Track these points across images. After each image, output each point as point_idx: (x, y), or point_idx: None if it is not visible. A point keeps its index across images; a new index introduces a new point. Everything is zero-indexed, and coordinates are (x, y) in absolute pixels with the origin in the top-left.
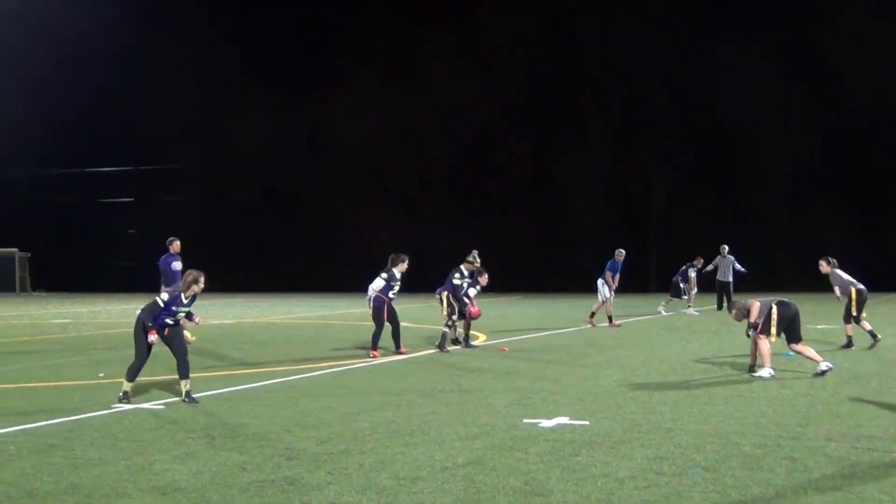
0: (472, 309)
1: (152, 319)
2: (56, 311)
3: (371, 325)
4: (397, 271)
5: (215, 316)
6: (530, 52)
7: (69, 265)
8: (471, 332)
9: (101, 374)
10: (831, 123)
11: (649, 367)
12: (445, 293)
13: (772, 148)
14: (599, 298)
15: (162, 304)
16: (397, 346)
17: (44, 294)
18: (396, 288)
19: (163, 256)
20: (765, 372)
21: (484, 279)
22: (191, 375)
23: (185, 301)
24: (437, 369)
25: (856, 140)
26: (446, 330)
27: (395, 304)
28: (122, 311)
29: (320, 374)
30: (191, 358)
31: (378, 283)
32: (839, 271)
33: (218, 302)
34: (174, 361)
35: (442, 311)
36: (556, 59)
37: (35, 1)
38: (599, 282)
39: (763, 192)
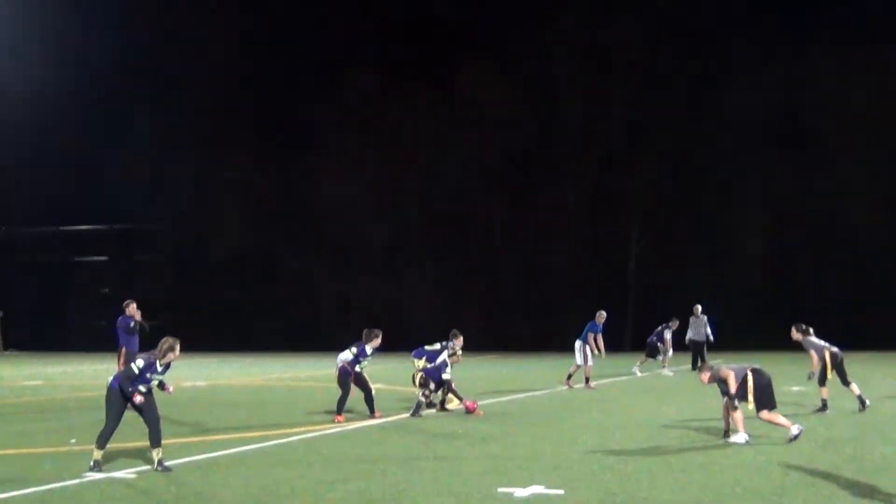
0: (468, 403)
1: (129, 385)
2: (28, 371)
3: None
4: (369, 347)
5: (189, 377)
6: (509, 114)
7: (42, 324)
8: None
9: (73, 441)
10: (811, 185)
11: (625, 432)
12: (420, 373)
13: (748, 208)
14: (577, 360)
15: (137, 371)
16: (371, 411)
17: (16, 353)
18: (365, 363)
19: (119, 318)
20: (739, 437)
21: (458, 342)
22: (163, 442)
23: (159, 369)
24: (411, 435)
25: (832, 203)
26: (422, 399)
27: (367, 369)
28: (95, 373)
29: (294, 440)
30: (163, 422)
31: (346, 355)
32: (812, 337)
33: (192, 362)
34: (146, 428)
35: (415, 382)
36: (534, 120)
37: (9, 62)
38: (578, 343)
39: (738, 251)
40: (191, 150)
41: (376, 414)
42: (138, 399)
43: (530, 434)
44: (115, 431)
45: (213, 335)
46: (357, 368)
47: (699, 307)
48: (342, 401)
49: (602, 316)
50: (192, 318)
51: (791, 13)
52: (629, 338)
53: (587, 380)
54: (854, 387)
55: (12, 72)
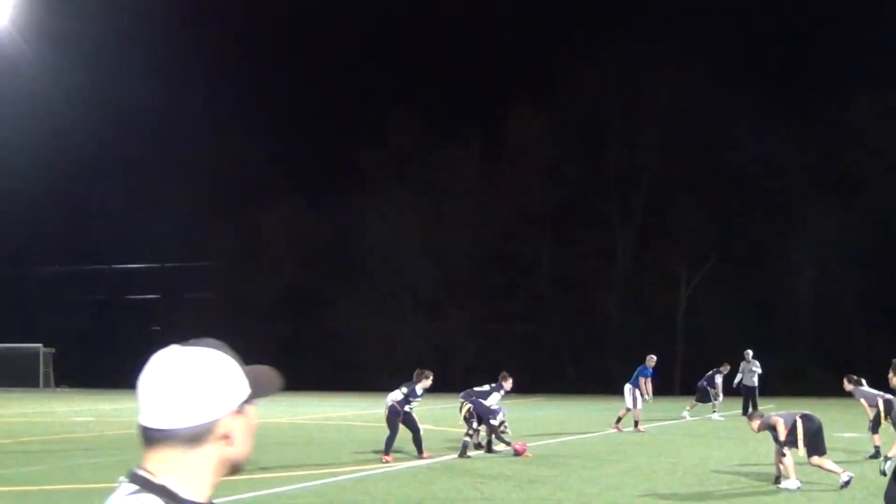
0: (516, 446)
1: None
2: (79, 408)
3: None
4: (419, 388)
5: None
6: (555, 158)
7: (93, 361)
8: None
9: (122, 478)
10: (860, 231)
11: (673, 477)
12: (468, 406)
13: (797, 252)
14: (627, 404)
15: None
16: (419, 451)
17: (67, 390)
18: (415, 403)
19: None
20: (791, 484)
21: (508, 384)
22: None
23: None
24: (459, 476)
25: (884, 247)
26: (467, 439)
27: (416, 409)
28: None
29: (342, 480)
30: None
31: (396, 395)
32: (864, 387)
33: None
34: None
35: (460, 418)
36: (580, 164)
37: (59, 103)
38: (627, 387)
39: (787, 295)
40: (242, 190)
41: (424, 455)
42: None
43: (579, 477)
44: None
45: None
46: (406, 408)
47: (750, 352)
48: (390, 441)
49: (652, 360)
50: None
51: (832, 60)
52: (678, 382)
53: (636, 423)
54: None
55: (58, 106)
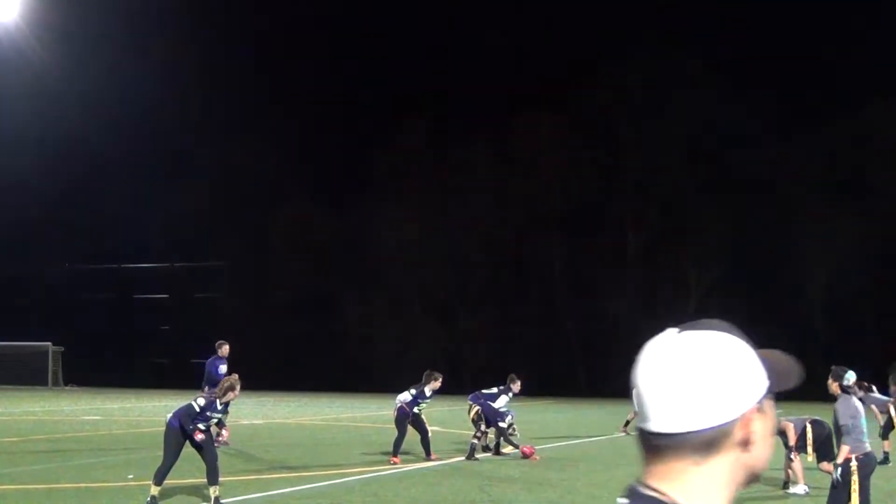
0: (525, 449)
1: (190, 422)
2: (87, 406)
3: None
4: (428, 389)
5: (246, 415)
6: (568, 161)
7: (102, 360)
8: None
9: (131, 476)
10: (872, 234)
11: None
12: (477, 409)
13: (809, 254)
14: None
15: (197, 409)
16: (427, 453)
17: (75, 388)
18: (424, 405)
19: (210, 358)
20: (799, 489)
21: (516, 386)
22: (220, 480)
23: (219, 407)
24: (467, 478)
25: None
26: (475, 441)
27: (424, 411)
28: (154, 409)
29: (350, 481)
30: (221, 460)
31: (405, 396)
32: (874, 394)
33: (248, 401)
34: (203, 465)
35: (470, 418)
36: (593, 167)
37: (70, 101)
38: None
39: (801, 297)
40: (252, 190)
41: (432, 456)
42: (199, 437)
43: (587, 480)
44: (172, 468)
45: (270, 374)
46: (416, 410)
47: None
48: (398, 442)
49: None
50: (250, 357)
51: (844, 64)
52: None
53: None
54: None
55: (70, 104)
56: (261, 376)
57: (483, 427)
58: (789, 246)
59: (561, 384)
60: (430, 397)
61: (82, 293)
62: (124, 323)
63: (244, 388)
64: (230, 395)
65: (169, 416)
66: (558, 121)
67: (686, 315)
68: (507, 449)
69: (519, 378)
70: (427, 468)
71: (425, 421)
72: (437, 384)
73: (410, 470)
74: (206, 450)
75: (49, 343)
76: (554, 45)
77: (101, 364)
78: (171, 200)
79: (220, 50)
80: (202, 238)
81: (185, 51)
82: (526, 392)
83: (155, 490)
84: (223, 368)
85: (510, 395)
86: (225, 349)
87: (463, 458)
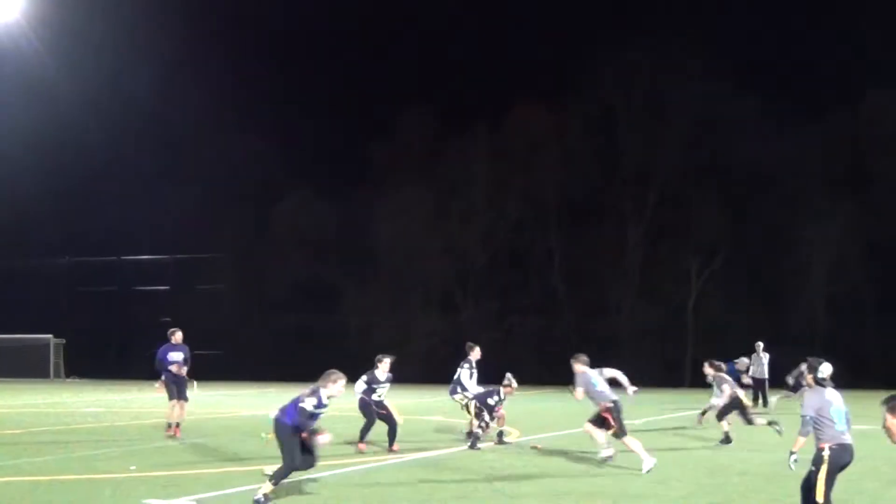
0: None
1: (308, 422)
2: (89, 398)
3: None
4: (380, 373)
5: (248, 406)
6: (566, 152)
7: (103, 352)
8: (504, 427)
9: (133, 467)
10: (872, 225)
11: (684, 469)
12: (474, 402)
13: (810, 246)
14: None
15: (310, 410)
16: (391, 443)
17: (77, 380)
18: (380, 390)
19: (162, 346)
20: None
21: (474, 353)
22: (225, 469)
23: (325, 402)
24: (469, 468)
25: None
26: (478, 431)
27: (388, 400)
28: (154, 401)
29: (349, 472)
30: (201, 452)
31: (359, 386)
32: (724, 374)
33: (250, 391)
34: (205, 456)
35: (469, 411)
36: (591, 157)
37: (69, 96)
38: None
39: (801, 288)
40: (251, 182)
41: (395, 447)
42: (322, 439)
43: (589, 469)
44: (182, 459)
45: (272, 365)
46: (375, 397)
47: (760, 344)
48: (365, 429)
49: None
50: (251, 348)
51: (843, 54)
52: (688, 374)
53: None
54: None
55: (69, 99)
56: (261, 368)
57: (487, 418)
58: (790, 235)
59: (563, 375)
60: (385, 381)
61: (82, 285)
62: (125, 315)
63: (245, 378)
64: (334, 388)
65: (275, 412)
66: (557, 111)
67: (686, 306)
68: (511, 437)
69: (514, 370)
70: (429, 458)
71: (393, 411)
72: (386, 365)
73: (411, 460)
74: (310, 451)
75: (50, 335)
76: (552, 36)
77: (101, 356)
78: (172, 192)
79: (220, 42)
80: (203, 230)
81: (183, 43)
82: (528, 381)
83: (269, 489)
84: (174, 356)
85: (468, 365)
86: (178, 336)
87: (465, 447)
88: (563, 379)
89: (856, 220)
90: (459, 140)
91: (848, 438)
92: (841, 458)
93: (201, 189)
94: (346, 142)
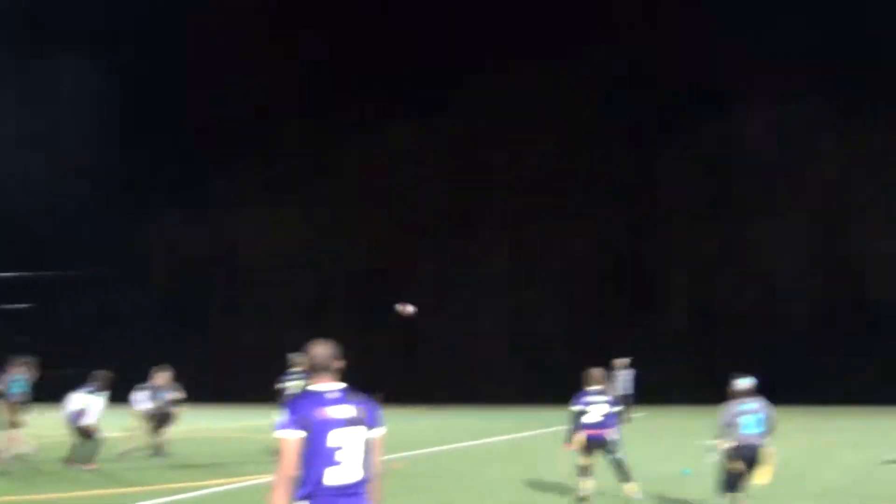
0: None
1: None
2: None
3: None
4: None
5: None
6: (424, 167)
7: None
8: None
9: None
10: (729, 242)
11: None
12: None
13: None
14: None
15: None
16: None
17: None
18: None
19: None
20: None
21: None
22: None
23: None
24: None
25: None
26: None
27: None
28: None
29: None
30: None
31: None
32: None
33: (117, 412)
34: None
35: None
36: (445, 174)
37: None
38: None
39: (664, 304)
40: (118, 198)
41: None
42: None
43: (457, 485)
44: None
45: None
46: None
47: (625, 360)
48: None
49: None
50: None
51: (708, 73)
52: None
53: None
54: None
55: None
56: (128, 387)
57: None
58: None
59: (428, 391)
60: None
61: None
62: None
63: (113, 399)
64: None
65: None
66: (427, 131)
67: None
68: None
69: (378, 383)
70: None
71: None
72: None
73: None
74: None
75: None
76: (429, 53)
77: None
78: (34, 207)
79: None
80: (66, 247)
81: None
82: (393, 400)
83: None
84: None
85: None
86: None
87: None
88: (432, 395)
89: (714, 237)
90: (329, 154)
91: (746, 439)
92: (734, 455)
93: (63, 204)
94: (210, 155)
